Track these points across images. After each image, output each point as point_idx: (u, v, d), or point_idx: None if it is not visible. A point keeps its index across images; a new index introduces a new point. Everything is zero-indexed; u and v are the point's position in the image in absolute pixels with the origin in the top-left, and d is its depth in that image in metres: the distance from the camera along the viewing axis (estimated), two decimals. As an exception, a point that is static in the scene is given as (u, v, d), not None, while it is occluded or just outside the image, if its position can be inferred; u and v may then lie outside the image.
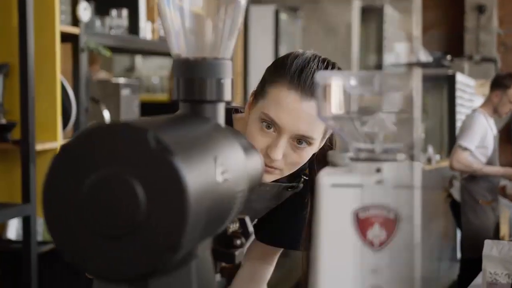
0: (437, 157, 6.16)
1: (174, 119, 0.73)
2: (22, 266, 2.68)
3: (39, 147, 2.67)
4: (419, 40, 6.42)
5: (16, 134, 2.63)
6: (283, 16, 5.81)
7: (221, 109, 0.79)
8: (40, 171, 2.61)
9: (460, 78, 7.36)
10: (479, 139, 4.65)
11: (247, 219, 0.84)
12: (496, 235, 4.66)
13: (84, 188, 0.61)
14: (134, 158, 0.60)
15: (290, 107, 1.27)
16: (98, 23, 3.31)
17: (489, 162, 4.62)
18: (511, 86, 4.65)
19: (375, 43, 7.37)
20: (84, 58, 3.04)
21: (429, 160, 5.82)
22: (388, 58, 6.13)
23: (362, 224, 0.67)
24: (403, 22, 6.12)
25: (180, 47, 0.78)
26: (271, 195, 1.46)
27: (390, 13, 7.41)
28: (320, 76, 0.71)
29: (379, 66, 7.43)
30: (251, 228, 0.85)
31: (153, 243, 0.60)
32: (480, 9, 8.15)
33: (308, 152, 1.32)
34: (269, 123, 1.28)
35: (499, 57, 8.65)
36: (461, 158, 4.62)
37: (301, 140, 1.29)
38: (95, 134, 0.62)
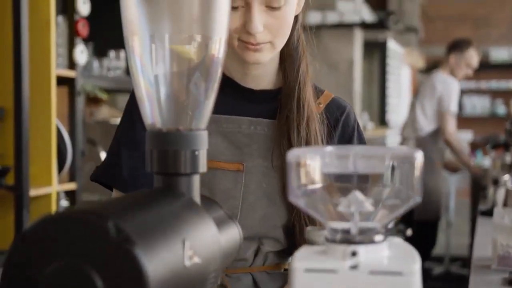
0: (371, 125, 6.22)
1: (143, 198, 0.70)
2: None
3: (33, 192, 2.64)
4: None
5: (10, 179, 2.60)
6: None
7: (196, 182, 0.76)
8: (34, 218, 2.57)
9: (391, 45, 7.22)
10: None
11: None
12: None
13: (41, 280, 0.58)
14: (93, 248, 0.58)
15: None
16: (96, 64, 3.31)
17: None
18: (468, 49, 4.65)
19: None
20: (80, 101, 3.02)
21: (363, 128, 5.85)
22: (331, 17, 6.00)
23: (337, 312, 0.63)
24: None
25: (154, 117, 0.76)
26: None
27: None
28: (292, 153, 0.68)
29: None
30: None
31: (114, 338, 0.57)
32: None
33: (288, 12, 1.22)
34: (232, 2, 1.15)
35: (421, 27, 8.52)
36: (454, 129, 4.49)
37: (273, 7, 1.19)
38: (54, 222, 0.59)
